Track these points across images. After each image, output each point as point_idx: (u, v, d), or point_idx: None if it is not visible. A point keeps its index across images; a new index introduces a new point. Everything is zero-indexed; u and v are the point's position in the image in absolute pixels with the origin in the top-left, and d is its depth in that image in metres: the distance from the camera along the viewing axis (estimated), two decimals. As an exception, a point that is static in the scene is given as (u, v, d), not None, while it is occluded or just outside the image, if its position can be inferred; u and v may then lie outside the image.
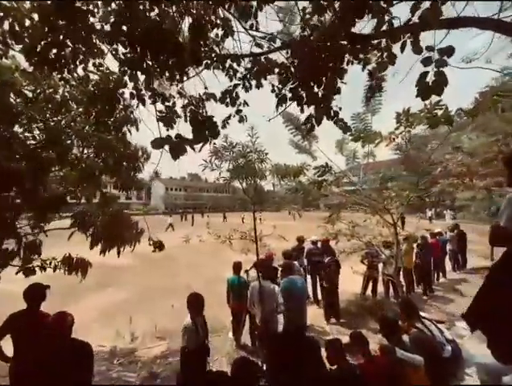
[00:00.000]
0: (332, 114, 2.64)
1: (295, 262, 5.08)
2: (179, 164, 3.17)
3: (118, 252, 3.28)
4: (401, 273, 6.00)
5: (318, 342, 2.72)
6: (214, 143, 3.47)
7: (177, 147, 1.66)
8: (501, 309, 1.29)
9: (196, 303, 2.81)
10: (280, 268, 3.90)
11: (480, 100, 2.75)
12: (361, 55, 2.51)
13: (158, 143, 1.62)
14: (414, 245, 6.47)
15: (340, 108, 2.66)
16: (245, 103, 2.69)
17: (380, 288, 6.10)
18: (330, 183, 4.33)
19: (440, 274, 7.76)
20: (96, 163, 3.64)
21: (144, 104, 2.71)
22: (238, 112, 2.68)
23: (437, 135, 5.29)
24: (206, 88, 2.73)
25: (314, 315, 5.09)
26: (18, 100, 2.88)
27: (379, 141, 3.41)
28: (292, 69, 2.45)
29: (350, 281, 6.03)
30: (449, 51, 1.49)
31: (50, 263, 3.12)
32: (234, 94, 2.61)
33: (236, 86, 2.60)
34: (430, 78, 1.54)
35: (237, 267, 4.18)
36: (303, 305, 3.70)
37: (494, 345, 1.39)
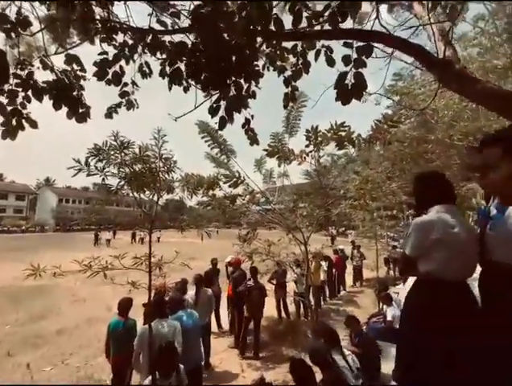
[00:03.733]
0: (244, 121, 2.34)
1: (209, 290, 4.43)
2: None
3: None
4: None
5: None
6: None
7: None
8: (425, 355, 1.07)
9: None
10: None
11: (374, 128, 3.01)
12: (278, 62, 2.35)
13: None
14: (322, 263, 6.89)
15: (253, 117, 2.39)
16: (134, 83, 2.07)
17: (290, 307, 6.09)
18: (244, 198, 4.03)
19: (341, 287, 8.58)
20: None
21: None
22: (124, 94, 2.03)
23: (337, 165, 6.01)
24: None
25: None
26: None
27: (292, 159, 3.35)
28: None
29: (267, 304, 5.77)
30: (368, 50, 1.34)
31: None
32: (118, 68, 1.95)
33: (118, 56, 1.96)
34: (349, 80, 1.38)
35: (124, 305, 3.11)
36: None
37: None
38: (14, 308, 6.63)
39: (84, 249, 17.34)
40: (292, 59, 2.34)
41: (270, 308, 5.95)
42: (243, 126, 2.27)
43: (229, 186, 3.01)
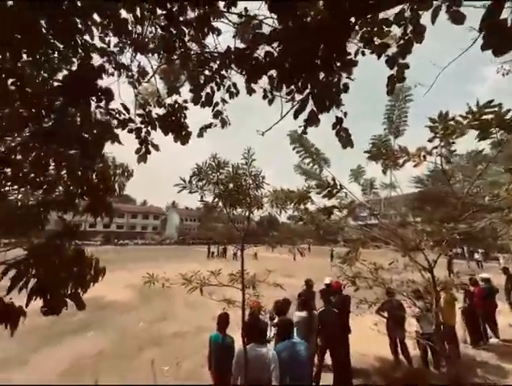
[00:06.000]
0: (335, 120, 1.98)
1: (303, 314, 4.03)
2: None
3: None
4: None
5: None
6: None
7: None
8: None
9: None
10: (274, 327, 2.92)
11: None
12: (377, 40, 1.90)
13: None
14: (458, 295, 5.16)
15: (346, 114, 1.99)
16: (224, 100, 2.12)
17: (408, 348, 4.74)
18: (341, 210, 3.48)
19: (490, 332, 6.16)
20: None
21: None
22: (217, 114, 2.10)
23: (462, 167, 4.45)
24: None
25: None
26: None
27: (405, 161, 2.62)
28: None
29: (375, 341, 4.77)
30: None
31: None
32: (209, 90, 2.04)
33: (211, 79, 2.04)
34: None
35: (222, 321, 3.17)
36: (306, 380, 2.66)
37: None
38: (145, 307, 8.21)
39: (196, 260, 20.35)
40: (396, 32, 1.86)
41: (379, 346, 4.87)
42: (334, 126, 1.91)
43: (323, 197, 2.63)
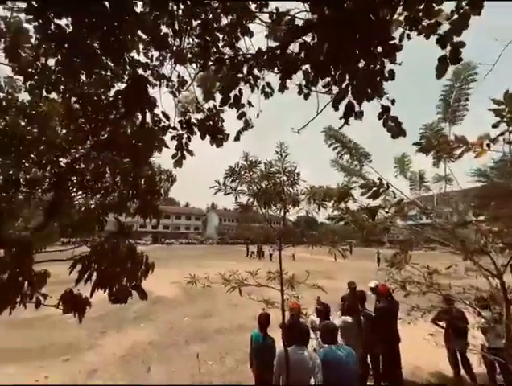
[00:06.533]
0: (381, 109, 1.83)
1: (348, 318, 3.84)
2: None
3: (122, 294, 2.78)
4: None
5: None
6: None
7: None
8: None
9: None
10: (318, 332, 2.83)
11: None
12: (425, 21, 1.71)
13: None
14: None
15: (394, 102, 1.82)
16: (250, 103, 2.14)
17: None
18: (388, 210, 3.21)
19: None
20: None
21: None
22: (242, 115, 2.12)
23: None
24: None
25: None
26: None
27: (464, 151, 2.29)
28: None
29: (431, 353, 4.30)
30: None
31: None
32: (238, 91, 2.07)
33: (244, 81, 2.07)
34: None
35: (262, 320, 3.17)
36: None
37: None
38: (189, 303, 8.69)
39: (235, 259, 20.90)
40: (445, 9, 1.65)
41: (436, 358, 4.38)
42: (380, 116, 1.77)
43: (368, 198, 2.45)
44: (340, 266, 17.95)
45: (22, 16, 2.71)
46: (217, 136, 2.78)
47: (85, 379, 4.19)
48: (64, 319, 5.44)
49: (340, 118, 1.59)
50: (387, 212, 3.33)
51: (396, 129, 1.80)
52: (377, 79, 1.63)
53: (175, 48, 2.66)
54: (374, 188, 2.36)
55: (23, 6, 2.74)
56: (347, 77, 1.53)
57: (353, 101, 1.55)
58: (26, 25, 2.73)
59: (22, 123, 2.89)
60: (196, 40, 2.38)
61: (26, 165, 2.80)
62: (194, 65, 2.92)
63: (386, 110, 1.78)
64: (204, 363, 4.69)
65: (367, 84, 1.54)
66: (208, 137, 2.76)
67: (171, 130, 3.02)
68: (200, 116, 2.94)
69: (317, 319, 3.73)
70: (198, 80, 3.22)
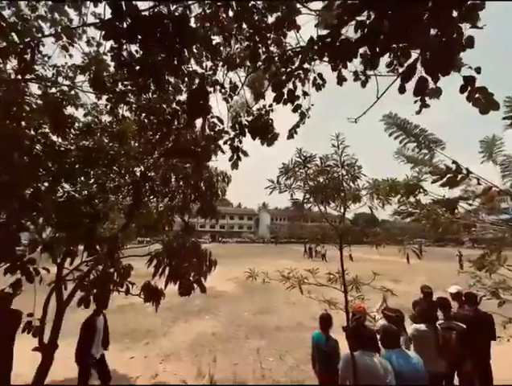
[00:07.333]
0: (464, 82, 1.55)
1: (422, 326, 3.40)
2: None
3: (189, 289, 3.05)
4: None
5: None
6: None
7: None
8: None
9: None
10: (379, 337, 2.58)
11: None
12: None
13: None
14: None
15: (479, 71, 1.52)
16: (305, 93, 2.06)
17: None
18: (472, 202, 2.71)
19: None
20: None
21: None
22: (297, 108, 2.06)
23: None
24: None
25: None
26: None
27: None
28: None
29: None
30: None
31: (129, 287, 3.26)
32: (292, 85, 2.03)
33: (294, 75, 2.02)
34: None
35: (325, 321, 3.05)
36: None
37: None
38: (248, 299, 8.96)
39: (291, 258, 20.79)
40: None
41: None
42: (463, 89, 1.48)
43: (442, 186, 2.10)
44: (406, 268, 16.10)
45: (101, 49, 3.20)
46: (268, 136, 2.80)
47: (162, 361, 4.74)
48: (144, 307, 6.26)
49: (415, 95, 1.39)
50: (470, 204, 2.82)
51: (486, 102, 1.49)
52: (456, 48, 1.39)
53: (226, 55, 2.78)
54: (449, 174, 2.02)
55: (102, 41, 3.21)
56: (415, 52, 1.35)
57: (426, 76, 1.35)
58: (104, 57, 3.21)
59: (106, 140, 3.43)
60: (246, 43, 2.43)
61: (111, 175, 3.32)
62: (243, 70, 3.00)
63: (469, 81, 1.50)
64: (264, 359, 4.78)
65: (442, 56, 1.33)
66: (258, 138, 2.81)
67: (223, 134, 3.15)
68: (250, 118, 3.01)
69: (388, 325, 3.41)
70: (248, 83, 3.29)
